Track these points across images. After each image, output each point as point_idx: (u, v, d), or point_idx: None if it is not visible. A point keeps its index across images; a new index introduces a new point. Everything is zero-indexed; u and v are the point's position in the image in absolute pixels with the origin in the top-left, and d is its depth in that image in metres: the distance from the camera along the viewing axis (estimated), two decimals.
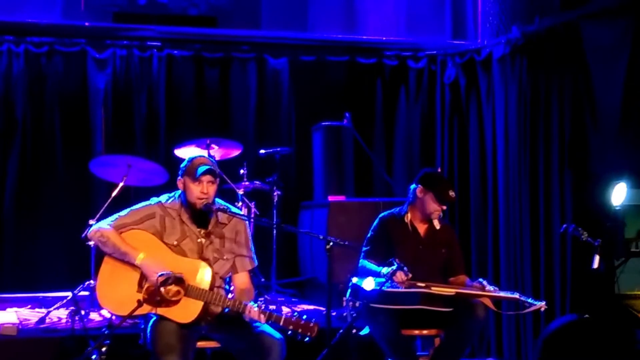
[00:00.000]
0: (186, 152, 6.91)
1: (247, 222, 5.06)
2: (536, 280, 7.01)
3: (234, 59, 8.45)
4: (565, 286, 6.79)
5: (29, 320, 6.41)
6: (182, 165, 4.90)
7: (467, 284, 5.55)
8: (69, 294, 6.57)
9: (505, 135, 7.36)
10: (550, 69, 7.01)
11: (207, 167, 4.79)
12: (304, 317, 4.54)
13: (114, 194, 6.57)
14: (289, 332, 4.53)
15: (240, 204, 7.16)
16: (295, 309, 7.06)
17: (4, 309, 6.97)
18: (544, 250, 6.96)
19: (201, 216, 4.84)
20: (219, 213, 4.87)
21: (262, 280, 7.45)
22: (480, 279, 5.42)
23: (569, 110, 6.87)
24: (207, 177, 4.77)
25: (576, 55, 6.76)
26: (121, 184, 6.62)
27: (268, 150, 7.61)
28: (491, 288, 5.32)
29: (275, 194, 7.47)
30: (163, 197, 4.94)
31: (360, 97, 8.65)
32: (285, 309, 6.77)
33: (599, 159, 6.68)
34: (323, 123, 8.07)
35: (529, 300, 5.29)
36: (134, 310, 4.45)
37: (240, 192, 7.20)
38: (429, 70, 8.60)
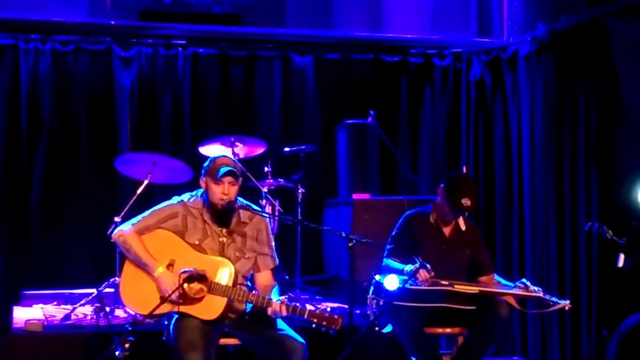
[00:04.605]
0: (211, 150, 6.94)
1: (268, 220, 5.07)
2: (562, 278, 6.97)
3: (258, 57, 8.43)
4: (591, 284, 6.76)
5: (54, 316, 6.46)
6: (204, 164, 4.91)
7: (499, 283, 5.52)
8: (94, 290, 6.61)
9: (530, 133, 7.33)
10: (576, 66, 6.96)
11: (229, 168, 4.79)
12: (328, 309, 4.55)
13: (139, 191, 6.60)
14: (314, 325, 4.54)
15: (264, 201, 7.17)
16: (319, 306, 7.05)
17: (30, 305, 7.02)
18: (569, 249, 6.93)
19: (223, 215, 4.85)
20: (241, 212, 4.88)
21: (287, 278, 7.45)
22: (524, 280, 5.38)
23: (595, 107, 6.83)
24: (228, 179, 4.78)
25: (603, 52, 6.71)
26: (146, 182, 6.64)
27: (292, 148, 7.61)
28: (535, 289, 5.27)
29: (299, 191, 7.47)
30: (185, 196, 4.95)
31: (385, 95, 8.60)
32: (309, 307, 6.75)
33: (625, 156, 6.64)
34: (347, 121, 8.05)
35: (553, 299, 5.25)
36: (156, 308, 4.47)
37: (265, 189, 7.20)
38: (454, 68, 8.56)
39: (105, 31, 8.07)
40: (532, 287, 5.26)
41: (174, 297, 4.56)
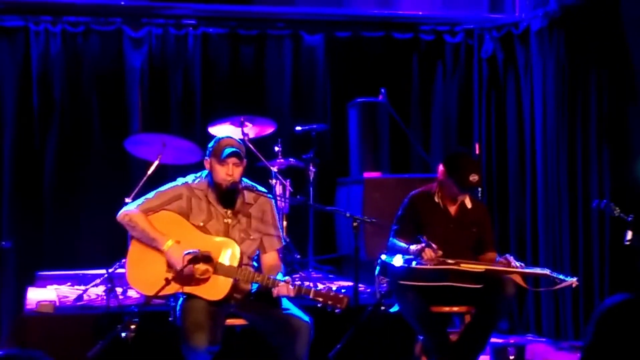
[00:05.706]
0: (220, 130, 6.93)
1: (273, 201, 5.06)
2: (574, 256, 6.96)
3: (269, 36, 8.41)
4: (603, 262, 6.74)
5: (67, 297, 6.49)
6: (209, 145, 4.91)
7: (495, 261, 5.47)
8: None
9: (543, 110, 7.29)
10: (588, 42, 6.92)
11: (233, 149, 4.78)
12: (334, 289, 4.56)
13: (149, 172, 6.61)
14: (319, 305, 4.55)
15: (274, 181, 7.17)
16: (331, 285, 7.04)
17: (44, 286, 7.07)
18: (582, 226, 6.92)
19: (228, 196, 4.84)
20: (246, 193, 4.87)
21: (298, 256, 7.46)
22: (507, 255, 5.29)
23: (607, 84, 6.80)
24: (233, 159, 4.77)
25: (614, 27, 6.67)
26: (156, 162, 6.65)
27: (304, 127, 7.59)
28: (517, 264, 5.19)
29: (311, 171, 7.45)
30: (190, 178, 4.94)
31: (396, 72, 8.56)
32: (320, 286, 6.76)
33: (638, 133, 6.60)
34: (359, 99, 8.01)
35: (560, 276, 5.19)
36: (161, 289, 4.48)
37: (275, 169, 7.20)
38: (466, 45, 8.50)
39: (115, 12, 8.05)
40: (514, 263, 5.18)
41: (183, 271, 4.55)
